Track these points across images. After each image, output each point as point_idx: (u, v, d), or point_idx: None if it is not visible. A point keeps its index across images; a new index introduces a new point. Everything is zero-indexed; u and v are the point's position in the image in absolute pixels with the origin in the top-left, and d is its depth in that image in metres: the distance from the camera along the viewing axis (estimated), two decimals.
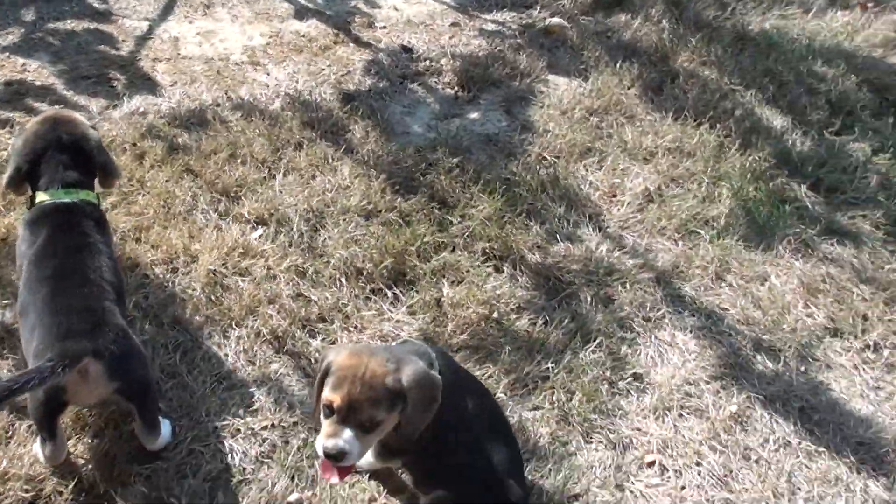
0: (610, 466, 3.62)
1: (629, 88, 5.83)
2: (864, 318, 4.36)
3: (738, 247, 4.71)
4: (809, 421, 3.87)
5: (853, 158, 5.35)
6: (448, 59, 6.00)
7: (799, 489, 3.61)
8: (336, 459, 2.89)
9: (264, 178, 4.85)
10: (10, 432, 3.50)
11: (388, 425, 2.95)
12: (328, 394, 2.89)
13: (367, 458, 3.32)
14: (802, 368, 4.10)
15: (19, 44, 5.91)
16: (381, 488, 3.45)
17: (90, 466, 3.41)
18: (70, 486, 3.31)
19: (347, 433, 2.86)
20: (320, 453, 2.91)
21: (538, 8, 6.79)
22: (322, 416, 2.94)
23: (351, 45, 6.18)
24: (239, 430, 3.61)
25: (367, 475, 3.48)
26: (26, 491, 3.29)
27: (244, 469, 3.48)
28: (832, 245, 4.77)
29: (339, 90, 5.64)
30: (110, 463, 3.42)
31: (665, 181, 5.09)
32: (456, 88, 5.79)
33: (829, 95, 5.86)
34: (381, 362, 2.91)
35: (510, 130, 5.45)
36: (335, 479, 3.00)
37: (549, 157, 5.20)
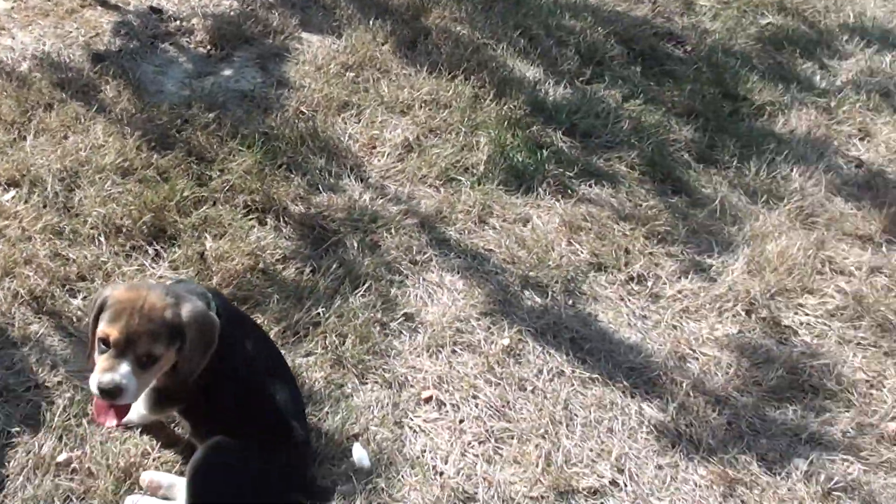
0: (387, 405, 3.60)
1: (383, 45, 5.78)
2: (627, 251, 4.47)
3: (499, 191, 4.76)
4: (581, 350, 3.94)
5: (605, 105, 5.51)
6: (199, 18, 5.79)
7: (576, 415, 3.67)
8: (112, 396, 2.72)
9: (14, 139, 4.57)
10: None
11: (165, 363, 2.83)
12: (104, 327, 2.73)
13: (140, 411, 3.18)
14: (570, 302, 4.17)
15: None
16: (155, 442, 3.31)
17: None
18: None
19: (124, 367, 2.71)
20: (94, 391, 2.73)
21: None
22: (97, 354, 2.78)
23: (98, 8, 5.87)
24: (0, 393, 3.39)
25: (139, 430, 3.33)
26: None
27: (8, 433, 3.26)
28: (590, 186, 4.87)
29: (88, 51, 5.36)
30: None
31: (423, 132, 5.08)
32: (209, 47, 5.60)
33: (578, 47, 6.02)
34: (160, 296, 2.81)
35: (266, 86, 5.32)
36: (112, 422, 2.82)
37: (306, 111, 5.10)
